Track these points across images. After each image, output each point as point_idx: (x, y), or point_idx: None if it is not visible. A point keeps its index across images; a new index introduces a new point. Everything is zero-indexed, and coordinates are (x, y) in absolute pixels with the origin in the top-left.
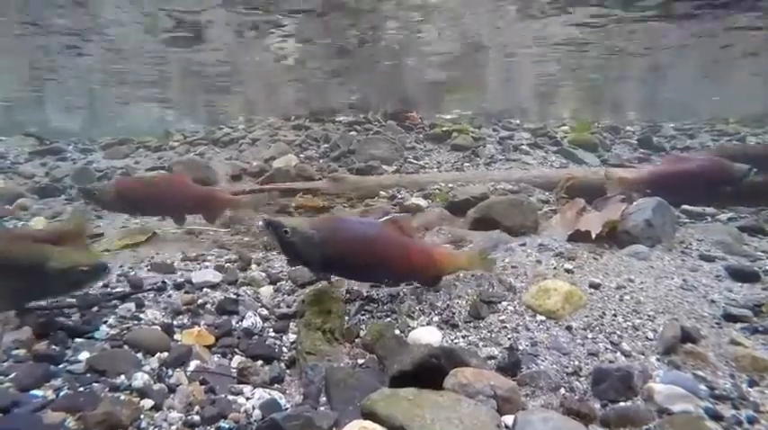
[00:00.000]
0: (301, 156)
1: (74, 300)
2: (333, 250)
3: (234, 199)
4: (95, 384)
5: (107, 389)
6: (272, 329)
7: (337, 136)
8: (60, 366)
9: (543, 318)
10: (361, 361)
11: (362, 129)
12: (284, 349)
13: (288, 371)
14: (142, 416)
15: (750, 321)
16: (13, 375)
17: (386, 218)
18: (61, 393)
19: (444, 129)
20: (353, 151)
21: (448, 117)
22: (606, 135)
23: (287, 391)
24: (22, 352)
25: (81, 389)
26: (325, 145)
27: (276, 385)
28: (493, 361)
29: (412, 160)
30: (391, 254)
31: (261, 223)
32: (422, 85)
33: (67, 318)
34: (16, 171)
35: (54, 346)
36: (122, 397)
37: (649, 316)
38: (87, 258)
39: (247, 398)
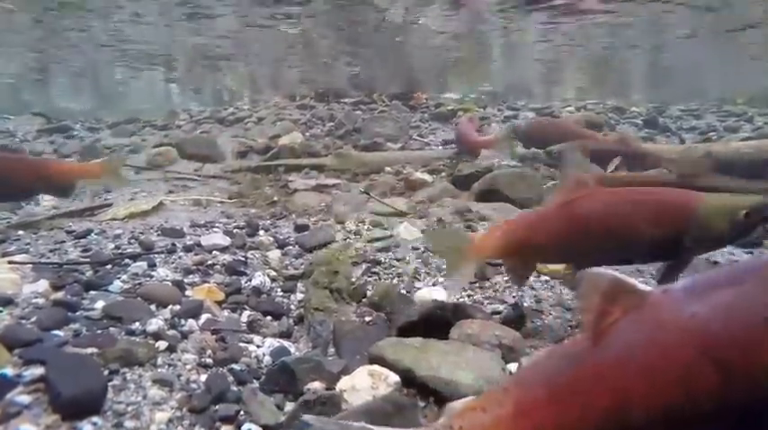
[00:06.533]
0: (307, 134)
1: (87, 258)
2: None
3: None
4: (112, 328)
5: (123, 333)
6: (280, 289)
7: (342, 114)
8: (78, 313)
9: (548, 277)
10: (368, 318)
11: (367, 109)
12: (292, 307)
13: (296, 326)
14: (158, 356)
15: None
16: (34, 318)
17: None
18: (80, 334)
19: (449, 108)
20: (359, 129)
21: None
22: (611, 115)
23: (296, 344)
24: (40, 301)
25: (99, 331)
26: (331, 123)
27: (285, 338)
28: (498, 316)
29: (417, 138)
30: None
31: None
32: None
33: (81, 274)
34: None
35: (70, 296)
36: (138, 340)
37: (653, 274)
38: None
39: (258, 346)
